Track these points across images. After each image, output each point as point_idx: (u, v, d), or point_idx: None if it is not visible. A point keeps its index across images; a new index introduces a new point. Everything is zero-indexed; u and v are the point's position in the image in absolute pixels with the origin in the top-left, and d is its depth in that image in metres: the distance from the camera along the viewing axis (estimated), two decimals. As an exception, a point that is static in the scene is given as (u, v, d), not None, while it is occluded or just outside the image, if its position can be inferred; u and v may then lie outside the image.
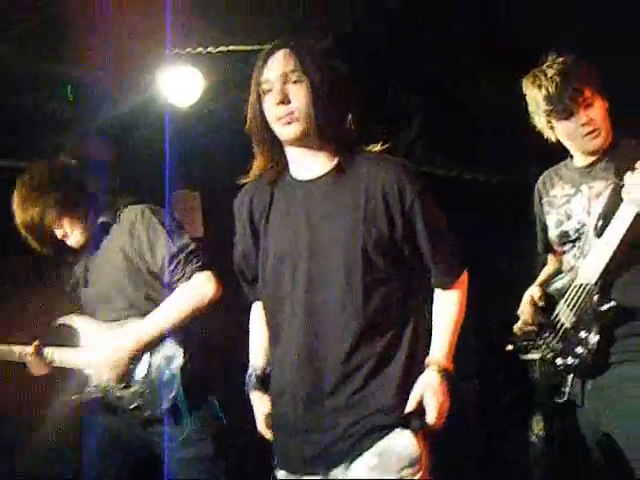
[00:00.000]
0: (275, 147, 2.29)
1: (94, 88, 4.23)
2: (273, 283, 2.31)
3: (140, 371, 3.07)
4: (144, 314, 3.09)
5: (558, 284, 2.89)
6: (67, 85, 4.29)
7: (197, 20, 3.94)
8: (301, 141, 2.23)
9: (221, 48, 4.29)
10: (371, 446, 2.14)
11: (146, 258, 3.09)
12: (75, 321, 3.25)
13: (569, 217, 2.80)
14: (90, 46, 3.85)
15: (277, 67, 2.19)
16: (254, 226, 2.38)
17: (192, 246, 3.08)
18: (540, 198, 2.98)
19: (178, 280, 3.03)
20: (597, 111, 2.70)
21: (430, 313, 2.35)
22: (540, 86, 2.70)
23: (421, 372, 2.24)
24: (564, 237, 2.82)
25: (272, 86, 2.18)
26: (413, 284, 2.32)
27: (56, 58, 4.04)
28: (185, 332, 3.07)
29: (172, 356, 3.04)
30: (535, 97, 2.74)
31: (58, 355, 3.23)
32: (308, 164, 2.27)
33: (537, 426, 3.13)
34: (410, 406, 2.18)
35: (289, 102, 2.17)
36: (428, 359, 2.26)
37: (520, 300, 3.00)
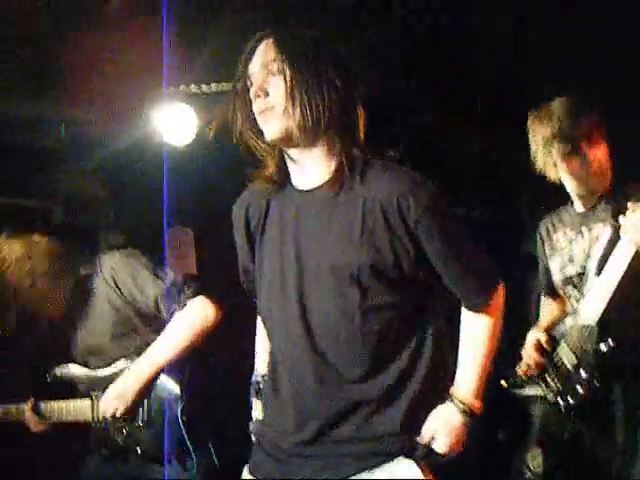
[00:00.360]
0: (274, 151, 2.04)
1: (90, 126, 4.25)
2: (266, 306, 2.13)
3: (143, 411, 3.07)
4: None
5: (561, 327, 2.90)
6: (61, 123, 4.31)
7: (192, 59, 3.97)
8: (287, 141, 1.96)
9: (215, 86, 4.31)
10: (374, 467, 1.96)
11: (137, 299, 3.07)
12: (70, 368, 3.23)
13: (571, 261, 2.81)
14: (86, 85, 3.88)
15: (258, 58, 1.95)
16: (251, 238, 2.16)
17: (180, 277, 3.08)
18: (542, 242, 2.99)
19: (174, 312, 3.02)
20: (601, 150, 2.73)
21: (457, 330, 2.11)
22: (547, 121, 2.71)
23: (440, 397, 2.05)
24: (567, 281, 2.83)
25: (255, 79, 1.95)
26: (431, 306, 2.07)
27: (51, 97, 4.06)
28: (184, 371, 3.06)
29: (172, 396, 3.04)
30: (541, 132, 2.74)
31: (56, 409, 3.22)
32: (307, 171, 2.02)
33: (534, 462, 3.11)
34: (423, 437, 2.01)
35: (267, 95, 1.92)
36: (452, 390, 2.05)
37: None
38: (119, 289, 3.08)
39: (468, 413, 2.03)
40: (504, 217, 5.27)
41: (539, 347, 2.91)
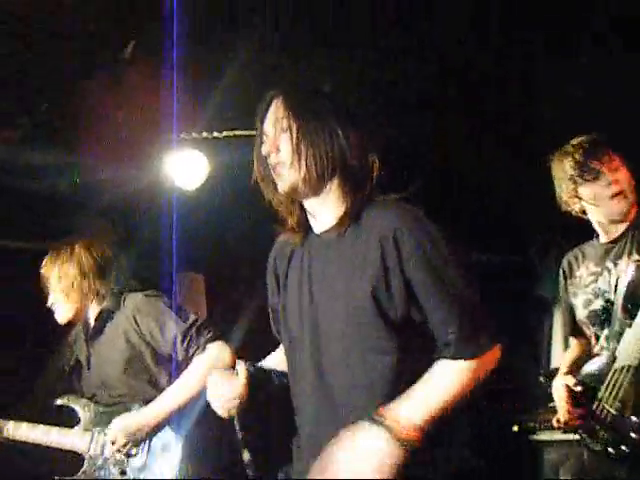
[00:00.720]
0: (291, 203, 2.11)
1: (103, 172, 4.32)
2: (288, 351, 2.15)
3: (144, 451, 3.08)
4: (145, 400, 3.11)
5: (591, 368, 2.75)
6: (75, 170, 4.38)
7: (203, 106, 4.03)
8: (298, 193, 2.04)
9: (226, 133, 4.37)
10: None
11: (157, 339, 3.11)
12: (72, 402, 3.26)
13: (597, 296, 2.75)
14: (99, 132, 3.94)
15: (271, 116, 2.06)
16: (278, 284, 2.19)
17: (200, 320, 3.14)
18: (565, 279, 2.93)
19: (193, 354, 3.05)
20: (623, 175, 2.74)
21: None
22: (567, 155, 2.77)
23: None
24: (593, 317, 2.75)
25: (268, 137, 2.06)
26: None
27: (66, 145, 4.13)
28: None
29: (176, 440, 3.06)
30: (562, 166, 2.77)
31: (17, 431, 3.25)
32: (319, 217, 2.07)
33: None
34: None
35: (279, 151, 2.02)
36: (381, 409, 1.83)
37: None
38: (139, 328, 3.14)
39: (397, 441, 1.75)
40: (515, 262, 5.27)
41: (571, 395, 2.74)
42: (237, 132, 4.35)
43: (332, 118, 2.02)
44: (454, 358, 1.86)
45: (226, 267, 4.98)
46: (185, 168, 4.36)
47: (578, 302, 2.82)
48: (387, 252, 1.91)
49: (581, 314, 2.79)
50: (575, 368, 2.88)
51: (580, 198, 2.77)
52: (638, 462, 2.56)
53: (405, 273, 1.90)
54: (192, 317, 3.14)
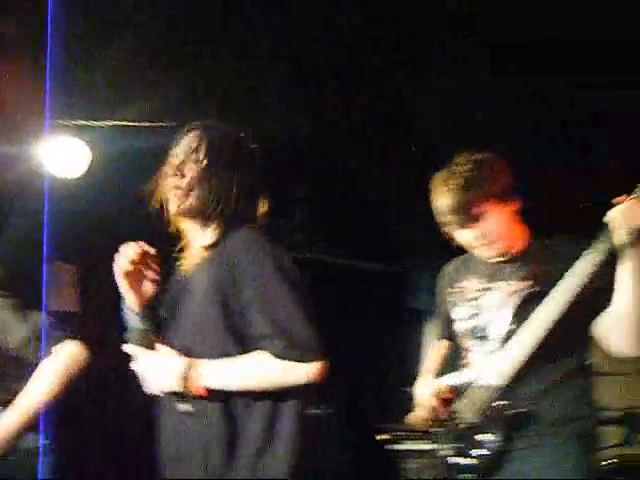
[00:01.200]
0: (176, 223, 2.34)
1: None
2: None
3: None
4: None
5: (456, 379, 2.76)
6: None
7: (82, 93, 3.92)
8: (185, 217, 2.29)
9: (109, 122, 4.26)
10: None
11: (1, 344, 2.95)
12: None
13: (480, 312, 2.71)
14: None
15: (185, 142, 2.30)
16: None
17: (48, 320, 2.98)
18: (444, 288, 2.91)
19: (41, 356, 2.90)
20: (494, 222, 2.65)
21: None
22: (441, 195, 2.68)
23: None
24: (473, 332, 2.72)
25: (176, 160, 2.28)
26: None
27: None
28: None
29: (36, 451, 2.92)
30: (435, 204, 2.73)
31: None
32: (198, 238, 2.31)
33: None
34: None
35: (182, 177, 2.25)
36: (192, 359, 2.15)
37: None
38: None
39: (190, 369, 2.10)
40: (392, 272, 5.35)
41: (441, 398, 2.74)
42: (120, 122, 4.25)
43: (237, 164, 2.28)
44: (274, 354, 2.09)
45: (102, 259, 4.84)
46: (64, 156, 4.22)
47: (458, 314, 2.81)
48: (231, 271, 2.15)
49: (459, 326, 2.78)
50: (438, 373, 2.92)
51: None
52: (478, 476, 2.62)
53: (241, 290, 2.14)
54: (40, 317, 2.98)
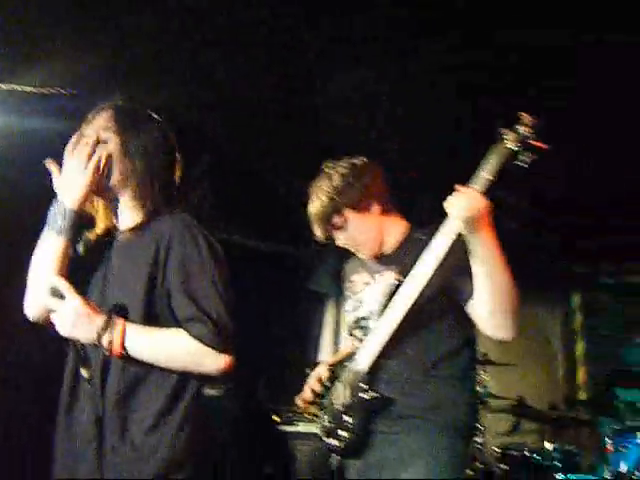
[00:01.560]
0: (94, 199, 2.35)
1: None
2: None
3: None
4: None
5: (339, 365, 2.89)
6: None
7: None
8: (95, 194, 2.29)
9: (14, 86, 4.12)
10: None
11: None
12: None
13: (362, 304, 2.84)
14: None
15: (95, 122, 2.30)
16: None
17: None
18: (343, 283, 3.04)
19: None
20: (356, 229, 2.80)
21: None
22: (310, 204, 2.82)
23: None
24: (356, 323, 2.85)
25: (87, 139, 2.27)
26: None
27: None
28: None
29: None
30: (308, 208, 2.84)
31: None
32: (120, 216, 2.33)
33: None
34: None
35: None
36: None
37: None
38: None
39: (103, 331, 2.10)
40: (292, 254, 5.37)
41: (320, 381, 2.89)
42: (26, 87, 4.12)
43: (149, 138, 2.29)
44: (193, 335, 2.13)
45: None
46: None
47: (348, 306, 2.94)
48: (159, 254, 2.19)
49: (349, 318, 2.91)
50: (336, 363, 3.00)
51: None
52: (342, 457, 2.75)
53: (167, 273, 2.18)
54: None
